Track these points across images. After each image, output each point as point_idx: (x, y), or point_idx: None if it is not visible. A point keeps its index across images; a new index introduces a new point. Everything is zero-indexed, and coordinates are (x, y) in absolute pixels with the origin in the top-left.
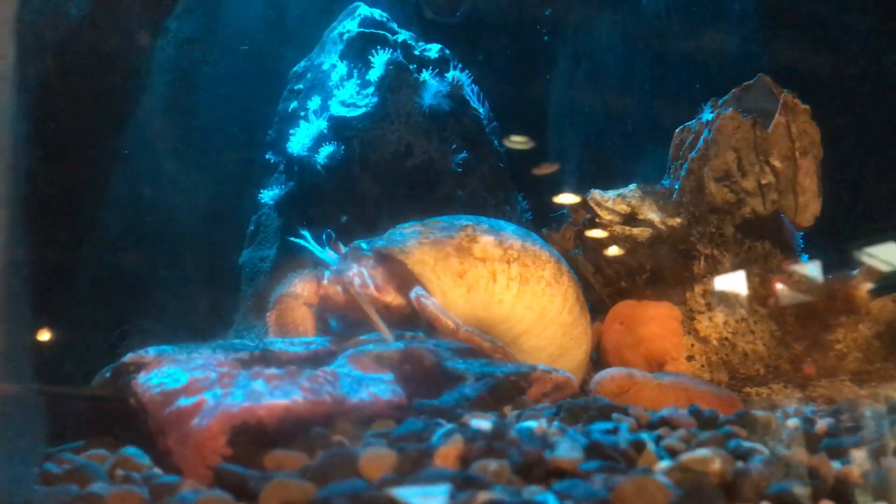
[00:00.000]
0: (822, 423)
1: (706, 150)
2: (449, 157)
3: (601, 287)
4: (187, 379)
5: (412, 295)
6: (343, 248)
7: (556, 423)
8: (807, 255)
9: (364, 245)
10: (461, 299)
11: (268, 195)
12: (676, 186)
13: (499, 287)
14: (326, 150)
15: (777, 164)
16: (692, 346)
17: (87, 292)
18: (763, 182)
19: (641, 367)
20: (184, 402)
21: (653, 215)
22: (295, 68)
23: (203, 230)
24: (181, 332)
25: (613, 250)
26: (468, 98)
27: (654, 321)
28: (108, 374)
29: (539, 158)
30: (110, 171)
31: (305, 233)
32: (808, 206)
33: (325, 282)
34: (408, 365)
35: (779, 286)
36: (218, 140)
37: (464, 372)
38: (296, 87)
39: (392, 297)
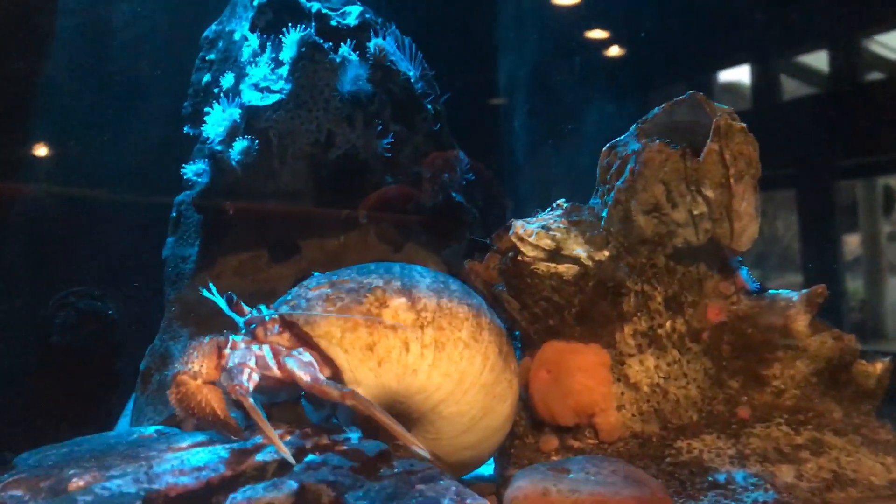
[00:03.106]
0: None
1: (633, 182)
2: (375, 141)
3: (528, 324)
4: None
5: (292, 367)
6: (246, 310)
7: None
8: (746, 269)
9: (267, 311)
10: (372, 373)
11: (190, 170)
12: (604, 214)
13: (412, 357)
14: (241, 144)
15: (710, 193)
16: (622, 394)
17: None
18: (695, 212)
19: (570, 419)
20: None
21: (579, 250)
22: (206, 32)
23: (127, 196)
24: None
25: (538, 289)
26: (395, 64)
27: (582, 371)
28: None
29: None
30: (25, 137)
31: (212, 285)
32: (745, 231)
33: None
34: None
35: (715, 314)
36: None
37: None
38: (208, 57)
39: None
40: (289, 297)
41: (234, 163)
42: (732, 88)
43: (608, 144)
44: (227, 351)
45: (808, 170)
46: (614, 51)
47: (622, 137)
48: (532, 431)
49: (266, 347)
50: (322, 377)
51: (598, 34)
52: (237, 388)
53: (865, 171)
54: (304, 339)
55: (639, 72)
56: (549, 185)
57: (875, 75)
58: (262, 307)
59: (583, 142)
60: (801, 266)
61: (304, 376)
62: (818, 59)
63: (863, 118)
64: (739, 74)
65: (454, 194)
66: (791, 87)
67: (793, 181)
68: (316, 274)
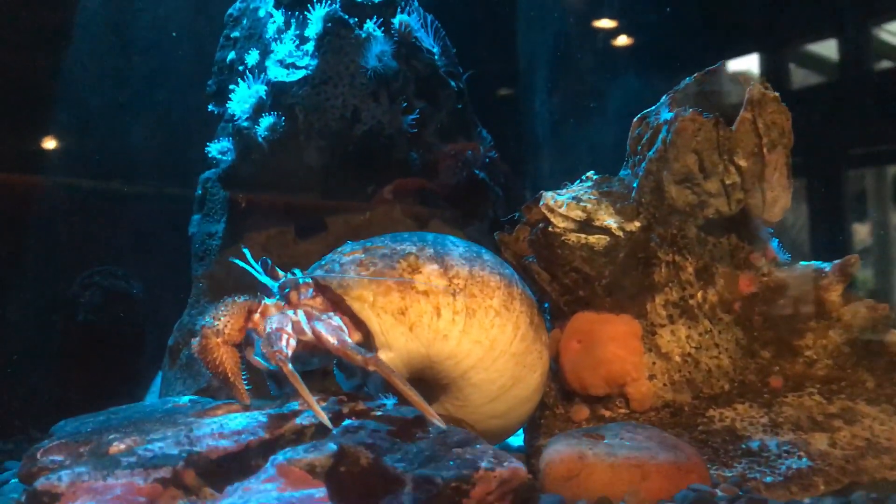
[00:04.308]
0: None
1: (665, 152)
2: (399, 118)
3: (558, 295)
4: None
5: (320, 329)
6: (281, 274)
7: None
8: (777, 240)
9: (301, 276)
10: (403, 338)
11: (215, 148)
12: (635, 185)
13: (443, 322)
14: (267, 121)
15: (742, 162)
16: (653, 363)
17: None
18: (728, 182)
19: (601, 389)
20: None
21: (610, 221)
22: (230, 10)
23: (153, 175)
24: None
25: (569, 260)
26: (420, 41)
27: (614, 341)
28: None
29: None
30: (47, 117)
31: (246, 251)
32: (777, 201)
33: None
34: (343, 467)
35: (746, 285)
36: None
37: (402, 474)
38: (232, 35)
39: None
40: (323, 262)
41: (260, 139)
42: None
43: (639, 115)
44: (257, 316)
45: (818, 159)
46: (622, 39)
47: (653, 108)
48: (562, 402)
49: (301, 312)
50: (350, 341)
51: (606, 23)
52: (277, 354)
53: (876, 161)
54: (336, 303)
55: (645, 58)
56: (571, 162)
57: (885, 64)
58: (297, 271)
59: (604, 118)
60: (811, 256)
61: (331, 338)
62: (828, 48)
63: (873, 107)
64: (749, 63)
65: (477, 171)
66: (800, 76)
67: (802, 170)
68: (350, 242)
